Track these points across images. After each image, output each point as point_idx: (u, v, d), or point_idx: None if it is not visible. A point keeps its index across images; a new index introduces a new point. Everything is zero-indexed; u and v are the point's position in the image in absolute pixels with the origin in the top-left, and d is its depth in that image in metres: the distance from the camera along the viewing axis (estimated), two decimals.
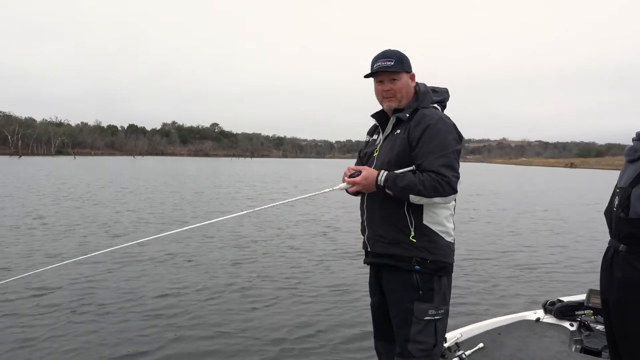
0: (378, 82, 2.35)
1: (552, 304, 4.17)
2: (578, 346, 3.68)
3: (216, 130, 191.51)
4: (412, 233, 2.20)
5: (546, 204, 20.47)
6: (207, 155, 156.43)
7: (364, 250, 2.47)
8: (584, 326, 3.93)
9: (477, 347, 3.50)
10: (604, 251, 2.54)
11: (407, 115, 2.27)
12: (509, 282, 7.31)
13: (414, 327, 2.21)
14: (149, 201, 17.97)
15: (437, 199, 2.13)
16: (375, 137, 2.49)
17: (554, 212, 17.52)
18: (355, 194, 2.38)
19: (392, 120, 2.34)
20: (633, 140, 2.45)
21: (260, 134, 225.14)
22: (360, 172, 2.25)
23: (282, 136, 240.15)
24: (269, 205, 2.85)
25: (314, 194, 2.60)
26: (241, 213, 2.68)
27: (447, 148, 2.15)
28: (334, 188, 2.35)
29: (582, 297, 4.15)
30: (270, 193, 23.67)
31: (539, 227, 13.62)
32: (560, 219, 15.58)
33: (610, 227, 2.47)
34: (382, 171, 2.21)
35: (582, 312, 4.02)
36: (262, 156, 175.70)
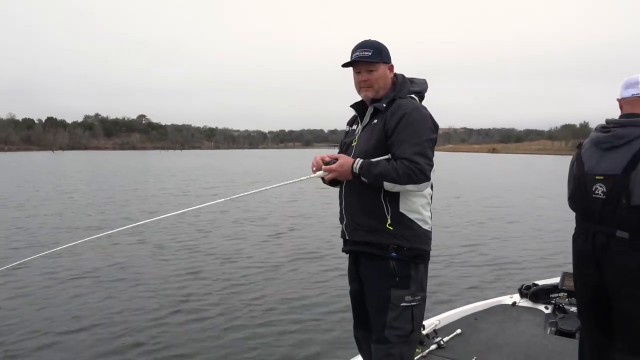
0: (356, 72, 2.37)
1: (528, 287, 4.29)
2: (553, 328, 3.78)
3: (143, 122, 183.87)
4: (389, 221, 2.24)
5: (489, 192, 20.85)
6: (134, 148, 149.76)
7: (342, 239, 2.49)
8: (558, 309, 4.04)
9: (454, 333, 3.55)
10: (579, 237, 2.54)
11: (384, 105, 2.30)
12: (484, 269, 7.50)
13: (391, 313, 2.24)
14: (70, 202, 16.61)
15: (410, 187, 2.16)
16: (354, 127, 2.51)
17: (500, 199, 18.01)
18: (333, 184, 2.40)
19: (370, 110, 2.38)
20: (602, 128, 2.47)
21: (190, 125, 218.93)
22: (336, 159, 2.27)
23: (214, 127, 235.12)
24: (246, 193, 2.79)
25: (291, 181, 2.58)
26: (219, 201, 2.63)
27: (421, 137, 2.19)
28: (311, 176, 2.36)
29: (556, 280, 4.24)
30: (210, 188, 22.92)
31: (494, 214, 14.00)
32: (511, 206, 16.06)
33: (588, 214, 2.47)
34: (358, 159, 2.24)
35: (556, 294, 4.15)
36: (193, 148, 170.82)
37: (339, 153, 2.52)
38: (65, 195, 18.26)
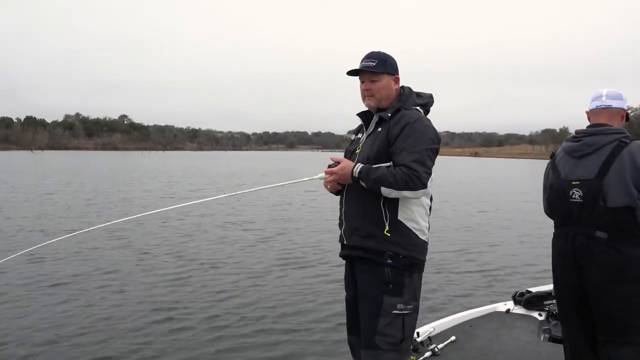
0: (361, 81, 2.46)
1: (521, 295, 4.32)
2: (546, 335, 3.81)
3: (125, 122, 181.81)
4: (387, 227, 2.27)
5: (475, 196, 20.85)
6: (115, 148, 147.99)
7: (340, 243, 2.52)
8: (552, 315, 4.07)
9: (449, 340, 3.55)
10: (558, 240, 2.72)
11: (389, 114, 2.36)
12: (476, 276, 7.50)
13: (382, 320, 2.26)
14: (50, 204, 16.21)
15: (406, 193, 2.20)
16: (359, 135, 2.57)
17: (486, 204, 17.99)
18: (335, 192, 2.48)
19: (375, 119, 2.44)
20: (573, 138, 2.72)
21: (173, 126, 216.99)
22: (339, 162, 2.34)
23: (197, 128, 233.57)
24: (246, 191, 2.90)
25: (293, 182, 2.65)
26: (222, 196, 2.79)
27: (421, 145, 2.24)
28: (313, 177, 2.44)
29: (549, 287, 4.25)
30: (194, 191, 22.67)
31: (482, 219, 14.02)
32: (498, 211, 16.10)
33: (567, 217, 2.65)
34: (359, 164, 2.30)
35: (550, 302, 4.18)
36: (176, 149, 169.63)
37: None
38: (45, 196, 17.81)
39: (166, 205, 16.00)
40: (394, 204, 2.28)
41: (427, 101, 2.49)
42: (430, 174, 2.23)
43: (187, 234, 10.44)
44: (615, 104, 2.68)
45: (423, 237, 2.34)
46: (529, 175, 42.17)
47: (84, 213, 13.70)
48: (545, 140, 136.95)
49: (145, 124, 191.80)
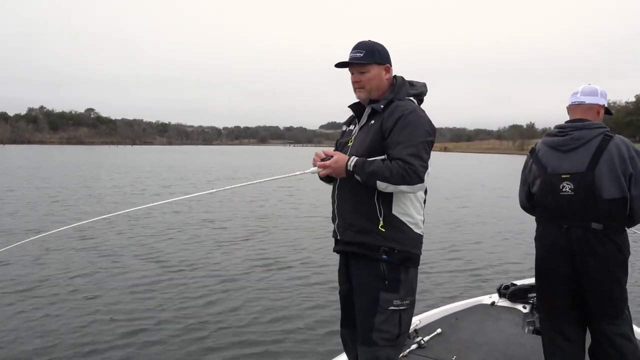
0: (351, 73, 2.39)
1: (506, 287, 4.39)
2: (530, 327, 3.88)
3: (92, 115, 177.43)
4: (381, 222, 2.23)
5: (451, 191, 20.82)
6: (81, 143, 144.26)
7: (333, 239, 2.48)
8: (536, 308, 4.11)
9: (435, 333, 3.59)
10: (548, 233, 2.75)
11: (382, 106, 2.30)
12: (462, 269, 7.54)
13: (379, 316, 2.23)
14: (9, 201, 15.57)
15: (403, 187, 2.15)
16: (351, 127, 2.52)
17: (463, 199, 17.99)
18: (327, 180, 2.41)
19: (367, 110, 2.38)
20: (559, 132, 2.77)
21: (142, 120, 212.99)
22: (332, 156, 2.27)
23: (167, 122, 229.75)
24: (238, 185, 2.80)
25: (284, 176, 2.60)
26: (211, 191, 2.78)
27: (417, 138, 2.18)
28: (306, 171, 2.38)
29: (533, 280, 4.26)
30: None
31: (463, 214, 14.08)
32: (476, 206, 16.16)
33: (558, 211, 2.70)
34: (353, 157, 2.23)
35: (534, 294, 4.20)
36: (145, 143, 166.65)
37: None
38: (3, 193, 17.01)
39: (135, 201, 15.64)
40: (388, 198, 2.23)
41: (420, 91, 2.41)
42: (427, 168, 2.18)
43: (156, 233, 9.99)
44: (588, 100, 2.78)
45: (418, 231, 2.30)
46: (500, 170, 43.14)
47: (50, 211, 13.20)
48: (513, 136, 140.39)
49: (113, 117, 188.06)
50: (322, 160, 2.29)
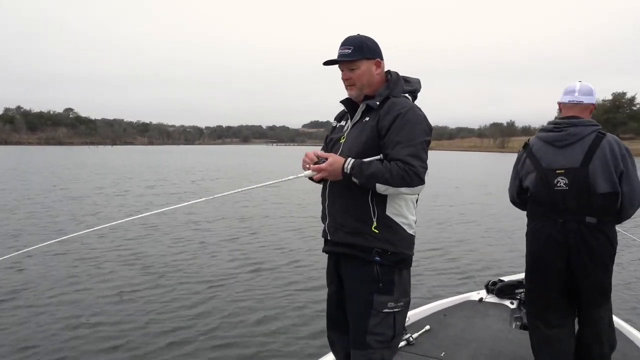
0: (341, 70, 2.33)
1: (494, 284, 4.43)
2: (518, 323, 3.95)
3: (71, 115, 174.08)
4: (375, 223, 2.17)
5: (437, 189, 20.49)
6: (60, 143, 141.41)
7: (323, 239, 2.43)
8: (523, 304, 4.20)
9: (424, 330, 3.62)
10: (543, 227, 2.79)
11: (378, 103, 2.23)
12: (450, 266, 7.60)
13: (373, 319, 2.19)
14: None
15: (404, 189, 2.09)
16: (343, 123, 2.44)
17: (450, 198, 17.92)
18: (320, 181, 2.31)
19: (362, 107, 2.30)
20: (554, 128, 2.81)
21: (122, 119, 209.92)
22: (325, 158, 2.18)
23: (148, 122, 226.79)
24: (230, 192, 2.74)
25: (277, 181, 2.49)
26: (200, 200, 2.64)
27: (416, 138, 2.13)
28: (299, 176, 2.27)
29: (521, 276, 4.34)
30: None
31: (451, 212, 14.11)
32: (464, 204, 16.13)
33: (552, 205, 2.76)
34: (349, 159, 2.15)
35: (521, 290, 4.26)
36: (125, 143, 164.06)
37: (323, 149, 2.48)
38: None
39: (124, 205, 15.45)
40: (382, 198, 2.17)
41: (415, 87, 2.36)
42: (426, 168, 2.13)
43: (138, 236, 9.74)
44: (586, 99, 2.85)
45: (410, 231, 2.27)
46: (482, 168, 43.52)
47: (28, 215, 12.92)
48: (494, 134, 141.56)
49: (93, 117, 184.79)
50: (316, 163, 2.19)
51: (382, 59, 2.31)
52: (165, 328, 4.99)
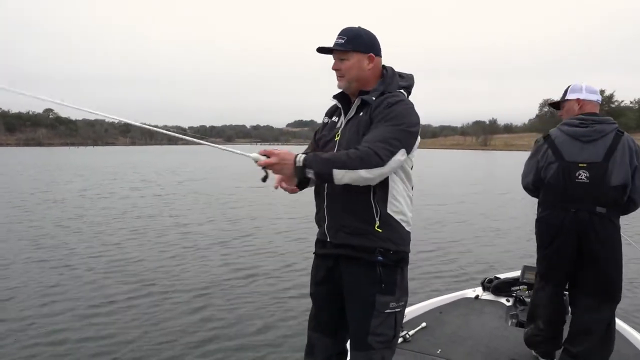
0: (334, 60, 2.27)
1: (490, 281, 4.44)
2: (514, 320, 3.97)
3: (50, 116, 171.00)
4: (378, 223, 2.13)
5: (427, 188, 20.41)
6: (40, 144, 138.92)
7: (321, 241, 2.35)
8: (519, 301, 4.25)
9: (420, 327, 3.64)
10: (556, 215, 2.97)
11: (374, 98, 2.19)
12: (446, 263, 7.61)
13: (375, 320, 2.17)
14: None
15: (362, 172, 1.97)
16: (335, 119, 2.36)
17: (441, 197, 17.83)
18: (300, 186, 2.28)
19: (357, 102, 2.25)
20: (580, 123, 2.96)
21: (104, 120, 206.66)
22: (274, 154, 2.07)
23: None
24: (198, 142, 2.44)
25: (226, 148, 2.30)
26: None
27: (394, 126, 2.07)
28: (248, 155, 2.06)
29: (516, 273, 4.38)
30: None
31: (444, 210, 14.15)
32: (456, 203, 16.20)
33: (568, 196, 2.93)
34: (300, 154, 2.05)
35: (517, 287, 4.29)
36: (107, 144, 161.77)
37: (310, 147, 2.45)
38: None
39: (109, 207, 15.21)
40: (383, 197, 2.14)
41: (409, 83, 2.32)
42: (392, 152, 2.00)
43: (122, 241, 9.44)
44: (595, 98, 3.10)
45: (408, 229, 2.25)
46: (469, 165, 43.89)
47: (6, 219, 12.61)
48: (476, 132, 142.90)
49: (73, 118, 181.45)
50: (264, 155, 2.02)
51: (377, 54, 2.25)
52: (159, 340, 4.81)
